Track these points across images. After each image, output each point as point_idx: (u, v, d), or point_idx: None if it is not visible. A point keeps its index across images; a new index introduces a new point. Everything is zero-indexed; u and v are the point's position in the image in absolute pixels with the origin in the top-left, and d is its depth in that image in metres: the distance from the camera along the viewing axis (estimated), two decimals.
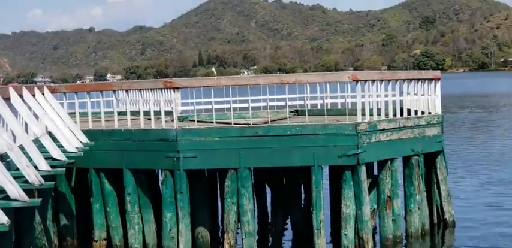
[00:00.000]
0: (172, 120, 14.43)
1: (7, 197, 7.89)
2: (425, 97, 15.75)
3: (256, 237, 14.97)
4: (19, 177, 9.02)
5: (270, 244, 15.98)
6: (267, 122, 14.71)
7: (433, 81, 15.86)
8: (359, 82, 14.10)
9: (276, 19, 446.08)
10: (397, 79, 15.06)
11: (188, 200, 14.09)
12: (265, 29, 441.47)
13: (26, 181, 8.97)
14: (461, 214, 17.22)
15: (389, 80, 14.90)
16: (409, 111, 15.44)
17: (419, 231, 15.22)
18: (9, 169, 8.38)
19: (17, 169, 9.10)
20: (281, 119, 15.88)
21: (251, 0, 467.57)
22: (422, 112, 15.69)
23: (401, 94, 15.27)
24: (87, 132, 14.25)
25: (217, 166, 14.15)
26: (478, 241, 15.11)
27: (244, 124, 14.17)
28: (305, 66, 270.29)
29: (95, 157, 14.43)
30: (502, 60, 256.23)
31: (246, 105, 16.49)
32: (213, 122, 14.54)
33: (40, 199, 8.40)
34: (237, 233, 14.45)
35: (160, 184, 14.82)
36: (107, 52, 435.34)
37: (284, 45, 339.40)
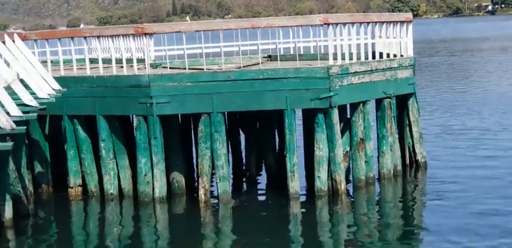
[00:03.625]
0: (145, 67, 14.39)
1: None
2: (397, 40, 15.79)
3: (231, 181, 15.18)
4: None
5: (244, 187, 16.20)
6: (240, 67, 14.72)
7: (405, 24, 15.86)
8: (330, 26, 14.09)
9: None
10: (369, 22, 15.05)
11: (162, 146, 14.17)
12: None
13: None
14: (433, 155, 17.50)
15: (361, 23, 14.90)
16: (381, 54, 15.49)
17: (392, 172, 15.47)
18: None
19: None
20: (254, 65, 15.87)
21: None
22: (395, 55, 15.75)
23: (373, 37, 15.29)
24: (59, 79, 14.21)
25: (190, 111, 14.20)
26: (449, 181, 15.39)
27: (216, 69, 14.17)
28: (280, 14, 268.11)
29: (68, 104, 14.42)
30: (476, 5, 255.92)
31: (218, 50, 16.45)
32: (185, 68, 14.51)
33: (12, 143, 8.43)
34: (212, 177, 14.62)
35: (134, 130, 14.87)
36: (80, 2, 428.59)
37: None
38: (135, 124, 14.57)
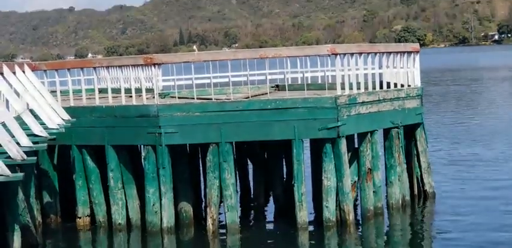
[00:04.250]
0: (154, 97, 14.48)
1: None
2: (404, 70, 15.87)
3: (239, 211, 15.15)
4: (1, 153, 9.08)
5: (252, 217, 16.16)
6: (248, 97, 14.80)
7: (412, 54, 15.96)
8: (338, 56, 14.19)
9: None
10: (376, 52, 15.16)
11: (170, 176, 14.19)
12: (246, 6, 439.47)
13: (9, 157, 9.04)
14: (441, 186, 17.46)
15: (368, 53, 15.00)
16: (388, 83, 15.56)
17: (400, 202, 15.43)
18: None
19: None
20: (262, 94, 15.97)
21: None
22: (402, 85, 15.82)
23: (380, 67, 15.38)
24: (68, 109, 14.30)
25: (199, 141, 14.25)
26: (457, 211, 15.34)
27: (225, 99, 14.25)
28: (286, 43, 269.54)
29: (77, 134, 14.48)
30: (483, 34, 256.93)
31: (226, 80, 16.55)
32: (194, 98, 14.60)
33: (23, 174, 8.47)
34: (220, 207, 14.60)
35: (142, 160, 14.90)
36: (88, 32, 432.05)
37: (265, 23, 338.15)
38: (143, 154, 14.61)
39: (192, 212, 15.01)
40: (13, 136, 9.72)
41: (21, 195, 12.68)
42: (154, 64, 14.68)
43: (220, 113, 13.89)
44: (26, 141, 10.04)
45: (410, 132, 16.03)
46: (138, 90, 14.93)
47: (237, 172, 16.25)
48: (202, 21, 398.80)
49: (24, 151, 9.29)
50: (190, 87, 16.10)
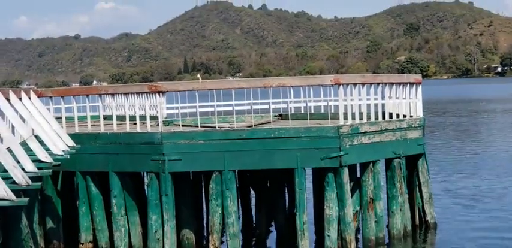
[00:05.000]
0: (158, 124, 14.61)
1: None
2: (406, 101, 16.01)
3: (241, 239, 15.17)
4: (6, 179, 9.16)
5: (254, 245, 16.17)
6: (251, 126, 14.92)
7: (414, 85, 16.13)
8: (341, 86, 14.35)
9: (261, 26, 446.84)
10: (379, 83, 15.31)
11: (173, 203, 14.26)
12: (251, 36, 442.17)
13: (13, 182, 9.12)
14: (443, 216, 17.48)
15: (371, 84, 15.16)
16: (390, 114, 15.69)
17: (402, 232, 15.46)
18: None
19: (4, 170, 9.24)
20: (265, 123, 16.10)
21: (236, 7, 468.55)
22: (404, 116, 15.95)
23: (383, 97, 15.53)
24: (73, 136, 14.41)
25: (202, 169, 14.34)
26: (458, 243, 15.35)
27: (228, 127, 14.38)
28: (290, 72, 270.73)
29: (81, 160, 14.58)
30: (486, 66, 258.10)
31: (230, 108, 16.69)
32: (198, 126, 14.73)
33: (28, 199, 8.55)
34: (222, 235, 14.63)
35: (145, 187, 14.97)
36: (93, 59, 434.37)
37: (269, 52, 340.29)
38: (147, 181, 14.69)
39: (194, 240, 15.05)
40: (18, 162, 9.82)
41: (24, 220, 12.72)
42: (159, 92, 14.85)
43: (224, 141, 14.01)
44: (31, 167, 10.13)
45: (412, 162, 16.12)
46: (143, 118, 15.08)
47: (240, 200, 16.31)
48: (207, 50, 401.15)
49: (29, 177, 9.37)
50: (194, 115, 16.24)
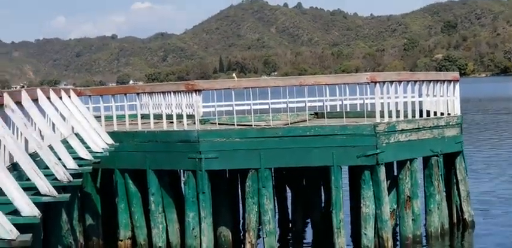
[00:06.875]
0: (194, 123, 14.74)
1: (37, 194, 8.21)
2: (444, 98, 15.93)
3: (277, 236, 15.24)
4: (48, 175, 9.34)
5: (290, 243, 16.24)
6: (287, 124, 14.98)
7: (452, 82, 16.04)
8: (378, 84, 14.34)
9: (296, 25, 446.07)
10: (416, 81, 15.27)
11: (210, 200, 14.37)
12: (286, 34, 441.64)
13: (55, 179, 9.31)
14: (480, 214, 17.36)
15: (408, 81, 15.11)
16: (428, 112, 15.63)
17: (439, 231, 15.39)
18: (39, 167, 8.70)
19: (46, 167, 9.43)
20: (301, 121, 16.13)
21: (271, 6, 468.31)
22: (442, 113, 15.87)
23: (420, 95, 15.47)
24: (112, 134, 14.61)
25: (238, 167, 14.44)
26: (496, 241, 15.24)
27: (264, 125, 14.46)
28: (326, 71, 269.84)
29: (119, 158, 14.77)
30: None
31: (266, 107, 16.76)
32: (234, 125, 14.83)
33: (69, 195, 8.72)
34: (258, 232, 14.72)
35: (182, 185, 15.12)
36: (130, 59, 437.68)
37: (304, 51, 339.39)
38: (183, 179, 14.83)
39: (231, 237, 15.15)
40: (60, 159, 10.00)
41: (65, 217, 12.96)
42: (195, 91, 14.98)
43: (260, 139, 14.09)
44: (72, 164, 10.32)
45: (449, 160, 16.04)
46: (179, 116, 15.23)
47: (276, 198, 16.38)
48: (242, 49, 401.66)
49: (70, 174, 9.54)
50: (229, 114, 16.35)
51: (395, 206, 14.95)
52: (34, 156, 9.51)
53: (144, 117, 16.69)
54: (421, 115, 15.32)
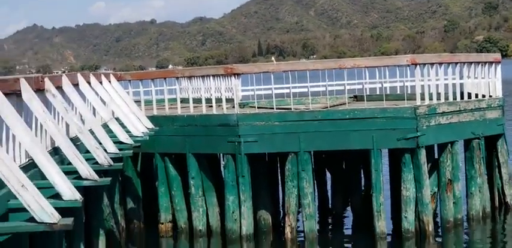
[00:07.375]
0: (233, 107, 14.76)
1: (78, 178, 8.31)
2: (485, 80, 15.70)
3: (317, 219, 15.24)
4: (89, 160, 9.44)
5: (330, 226, 16.23)
6: (326, 107, 14.91)
7: (493, 64, 15.80)
8: (418, 66, 14.17)
9: (335, 7, 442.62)
10: (457, 63, 15.07)
11: (250, 184, 14.41)
12: (324, 17, 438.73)
13: (96, 163, 9.40)
14: None
15: (448, 63, 14.92)
16: (469, 94, 15.43)
17: (480, 214, 15.25)
18: (80, 151, 8.79)
19: (87, 151, 9.53)
20: (340, 105, 16.05)
21: None
22: (483, 96, 15.66)
23: (461, 77, 15.27)
24: (151, 118, 14.71)
25: (278, 150, 14.43)
26: None
27: (304, 109, 14.41)
28: (365, 54, 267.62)
29: (159, 142, 14.87)
30: None
31: (305, 90, 16.69)
32: (273, 108, 14.80)
33: (110, 179, 8.81)
34: (298, 215, 14.73)
35: (222, 168, 15.17)
36: (169, 43, 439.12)
37: (343, 34, 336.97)
38: (223, 163, 14.88)
39: (271, 220, 15.19)
40: (100, 143, 10.09)
41: (106, 200, 13.13)
42: (234, 74, 14.98)
43: (300, 123, 14.05)
44: (112, 148, 10.41)
45: (491, 143, 15.84)
46: (219, 100, 15.26)
47: (315, 181, 16.35)
48: (281, 32, 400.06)
49: (110, 158, 9.63)
50: (268, 97, 16.33)
51: (436, 190, 14.83)
52: (75, 141, 9.61)
53: (184, 101, 16.76)
54: (462, 97, 15.13)
